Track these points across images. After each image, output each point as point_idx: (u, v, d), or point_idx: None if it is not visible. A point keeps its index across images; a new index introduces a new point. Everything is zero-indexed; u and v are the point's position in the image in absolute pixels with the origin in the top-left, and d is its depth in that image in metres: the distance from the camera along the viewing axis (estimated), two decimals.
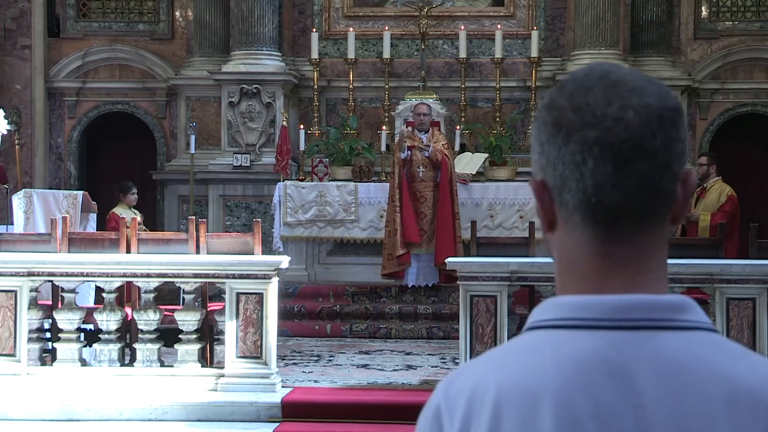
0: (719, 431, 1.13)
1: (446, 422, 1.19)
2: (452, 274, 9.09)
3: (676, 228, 1.25)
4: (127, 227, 7.73)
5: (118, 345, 7.43)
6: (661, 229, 1.22)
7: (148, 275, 7.30)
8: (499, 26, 12.21)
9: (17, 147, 11.45)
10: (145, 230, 9.92)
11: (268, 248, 9.99)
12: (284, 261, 7.46)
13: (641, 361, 1.15)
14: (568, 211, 1.20)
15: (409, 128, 10.53)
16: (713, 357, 1.17)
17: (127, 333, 7.61)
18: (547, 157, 1.21)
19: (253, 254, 7.54)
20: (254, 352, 7.19)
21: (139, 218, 9.62)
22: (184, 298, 7.61)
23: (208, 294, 7.74)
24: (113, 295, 7.37)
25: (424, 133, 10.28)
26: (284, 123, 11.62)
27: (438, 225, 10.06)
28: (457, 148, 11.66)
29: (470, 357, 7.23)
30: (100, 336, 7.42)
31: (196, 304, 7.46)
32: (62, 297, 7.49)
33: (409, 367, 8.40)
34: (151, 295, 7.34)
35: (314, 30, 12.38)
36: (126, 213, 9.78)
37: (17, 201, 9.83)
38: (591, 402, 1.13)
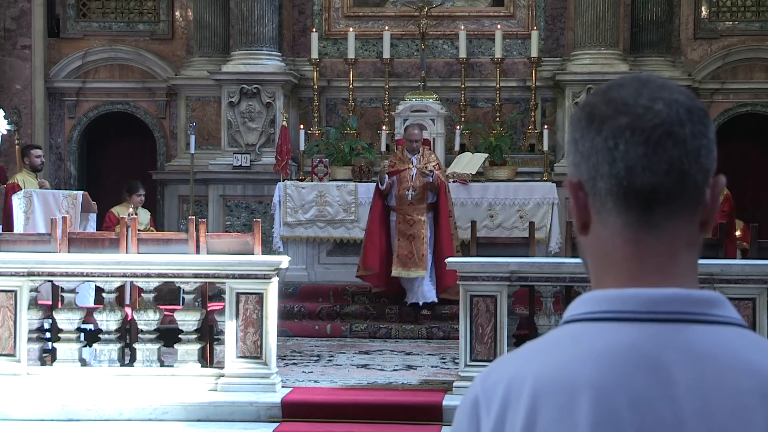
0: (754, 425, 1.15)
1: (483, 413, 1.20)
2: (453, 298, 9.18)
3: (707, 233, 1.26)
4: (128, 227, 7.74)
5: (118, 345, 7.43)
6: (691, 223, 1.23)
7: (148, 275, 7.30)
8: (499, 26, 12.21)
9: (17, 147, 11.45)
10: (149, 230, 9.89)
11: (268, 248, 9.99)
12: (284, 261, 7.46)
13: (675, 353, 1.17)
14: (602, 200, 1.23)
15: (400, 147, 10.27)
16: (745, 351, 1.19)
17: (127, 333, 7.61)
18: (581, 152, 1.24)
19: (253, 254, 7.54)
20: (254, 352, 7.20)
21: (143, 218, 9.62)
22: (184, 298, 7.61)
23: (208, 294, 7.74)
24: (113, 295, 7.38)
25: (415, 154, 9.96)
26: (284, 123, 11.62)
27: (438, 253, 9.67)
28: (457, 147, 11.68)
29: (470, 357, 7.23)
30: (100, 336, 7.42)
31: (196, 304, 7.46)
32: (62, 297, 7.49)
33: (409, 367, 8.40)
34: (151, 295, 7.34)
35: (314, 30, 12.38)
36: (124, 212, 9.76)
37: (17, 201, 9.83)
38: (627, 393, 1.15)
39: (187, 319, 7.34)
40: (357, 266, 10.16)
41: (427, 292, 9.85)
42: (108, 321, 7.36)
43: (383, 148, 11.61)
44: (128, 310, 7.56)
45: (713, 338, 1.19)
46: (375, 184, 10.12)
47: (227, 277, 7.21)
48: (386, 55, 12.14)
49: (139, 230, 8.72)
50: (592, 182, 1.23)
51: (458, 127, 11.84)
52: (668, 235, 1.23)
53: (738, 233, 9.40)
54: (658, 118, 1.19)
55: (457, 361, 7.81)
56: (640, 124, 1.19)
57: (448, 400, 7.06)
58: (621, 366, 1.16)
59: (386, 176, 9.84)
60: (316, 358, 8.79)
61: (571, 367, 1.18)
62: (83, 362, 7.39)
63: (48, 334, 7.62)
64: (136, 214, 9.81)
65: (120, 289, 7.46)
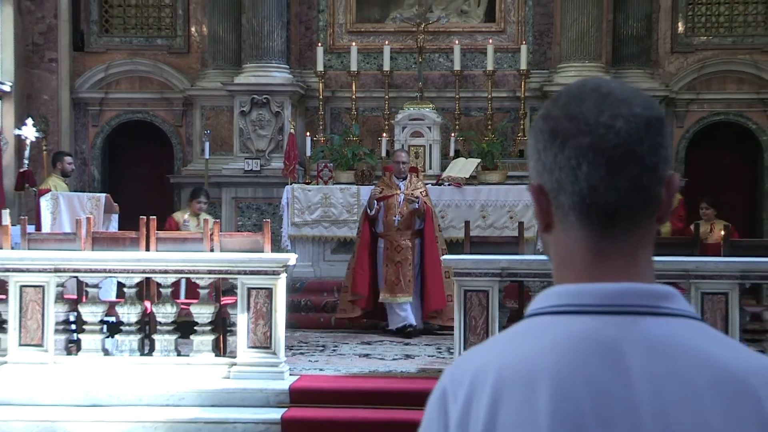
0: (704, 411, 1.14)
1: (451, 402, 1.20)
2: (437, 322, 9.19)
3: (660, 226, 1.26)
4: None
5: (138, 336, 7.43)
6: (649, 227, 1.23)
7: (165, 271, 7.30)
8: (490, 41, 12.22)
9: (45, 153, 11.45)
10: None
11: (276, 246, 9.98)
12: (292, 258, 7.46)
13: (630, 343, 1.16)
14: (564, 212, 1.21)
15: (387, 173, 9.66)
16: (697, 341, 1.18)
17: (147, 325, 7.61)
18: (544, 163, 1.22)
19: (263, 252, 7.54)
20: (264, 343, 7.20)
21: (196, 225, 9.48)
22: (199, 293, 7.61)
23: (222, 289, 7.75)
24: (133, 290, 7.38)
25: (402, 180, 9.50)
26: (292, 130, 11.62)
27: (426, 276, 9.27)
28: (451, 153, 11.68)
29: (464, 347, 7.22)
30: (122, 328, 7.42)
31: (211, 298, 7.46)
32: (86, 292, 7.49)
33: (408, 356, 8.40)
34: (169, 290, 7.34)
35: (319, 44, 12.39)
36: (181, 218, 9.73)
37: (44, 203, 9.84)
38: (585, 381, 1.14)
39: (202, 312, 7.35)
40: (339, 309, 9.63)
41: (408, 316, 9.30)
42: (129, 314, 7.36)
43: (383, 154, 11.61)
44: (147, 304, 7.56)
45: (666, 329, 1.18)
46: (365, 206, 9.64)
47: (239, 273, 7.22)
48: (386, 67, 12.14)
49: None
50: (555, 194, 1.21)
51: (453, 135, 11.85)
52: (628, 242, 1.22)
53: (722, 233, 9.41)
54: (619, 138, 1.17)
55: (452, 351, 7.82)
56: (602, 144, 1.17)
57: (436, 385, 7.06)
58: (579, 356, 1.15)
59: (374, 202, 9.40)
60: (321, 348, 8.79)
61: (531, 358, 1.16)
62: (106, 352, 7.39)
63: (73, 326, 7.62)
64: (198, 221, 9.70)
65: (140, 285, 7.47)
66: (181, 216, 9.85)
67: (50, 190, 10.21)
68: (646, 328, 1.17)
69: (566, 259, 1.24)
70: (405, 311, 9.29)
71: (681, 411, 1.13)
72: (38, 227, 9.51)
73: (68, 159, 10.91)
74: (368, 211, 9.40)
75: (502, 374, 1.16)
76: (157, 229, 7.85)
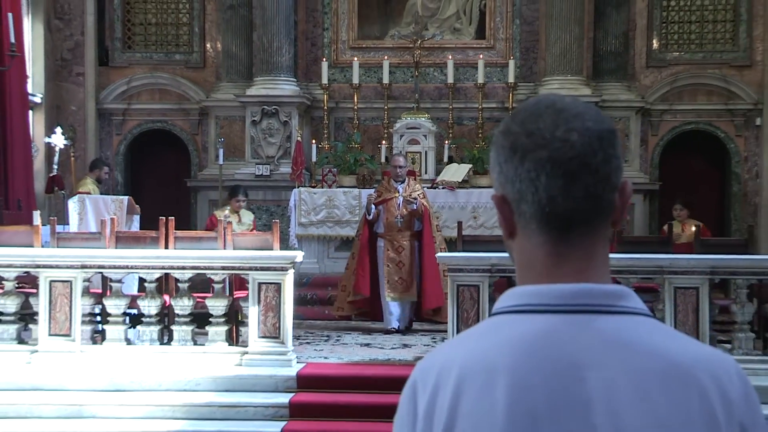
0: (653, 403, 1.13)
1: (420, 393, 1.21)
2: (435, 319, 8.92)
3: (616, 230, 1.26)
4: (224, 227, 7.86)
5: (158, 327, 7.43)
6: (604, 231, 1.22)
7: (183, 267, 7.31)
8: (481, 56, 12.22)
9: (72, 159, 11.46)
10: (250, 230, 9.48)
11: (285, 245, 9.99)
12: (299, 256, 7.46)
13: (584, 340, 1.15)
14: (526, 220, 1.21)
15: (386, 178, 9.39)
16: (648, 337, 1.17)
17: (166, 317, 7.61)
18: (506, 175, 1.21)
19: (272, 250, 7.54)
20: (273, 333, 7.20)
21: (246, 219, 9.35)
22: (213, 287, 7.61)
23: (235, 283, 7.74)
24: (154, 285, 7.38)
25: (401, 183, 9.20)
26: (299, 138, 11.62)
27: (425, 275, 8.98)
28: (445, 159, 11.69)
29: None
30: (143, 319, 7.42)
31: (224, 292, 7.46)
32: (110, 286, 7.49)
33: (405, 345, 8.40)
34: (186, 285, 7.34)
35: (324, 59, 12.39)
36: (222, 215, 9.54)
37: (72, 205, 9.84)
38: (540, 375, 1.13)
39: (217, 305, 7.35)
40: (336, 306, 9.34)
41: (399, 318, 9.02)
42: (149, 306, 7.36)
43: (383, 159, 11.61)
44: (166, 297, 7.56)
45: (620, 326, 1.17)
46: (365, 210, 9.35)
47: (250, 269, 7.22)
48: (385, 80, 12.14)
49: (240, 231, 8.61)
50: (517, 203, 1.21)
51: (446, 142, 11.86)
52: (585, 246, 1.21)
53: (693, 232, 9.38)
54: (573, 151, 1.17)
55: (445, 340, 7.81)
56: (558, 157, 1.17)
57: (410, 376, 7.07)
58: (535, 352, 1.15)
59: (373, 207, 9.09)
60: (326, 338, 8.79)
61: (490, 353, 1.16)
62: (128, 341, 7.39)
63: (98, 318, 7.63)
64: (238, 216, 9.65)
65: (159, 280, 7.47)
66: (222, 213, 9.61)
67: (89, 193, 10.24)
68: (599, 326, 1.16)
69: (527, 262, 1.23)
70: (397, 312, 8.98)
71: (631, 403, 1.12)
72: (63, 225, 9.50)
73: (105, 169, 11.04)
74: (367, 215, 9.15)
75: (464, 368, 1.16)
76: (177, 229, 7.85)
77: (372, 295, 9.11)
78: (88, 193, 10.28)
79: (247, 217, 9.72)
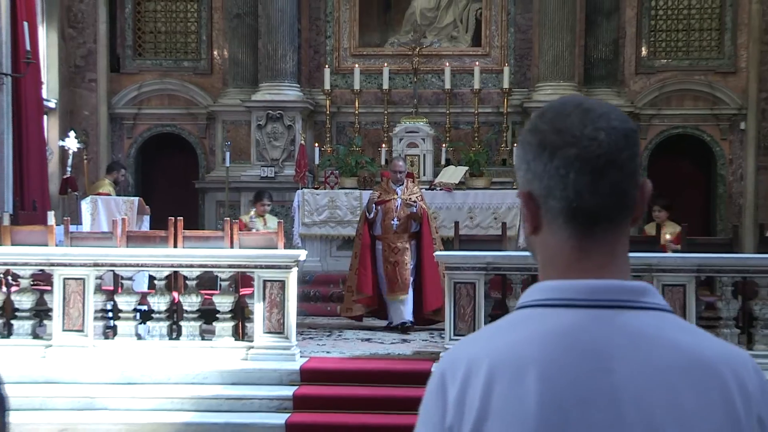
0: (678, 395, 1.13)
1: (449, 383, 1.19)
2: (434, 318, 8.63)
3: (636, 227, 1.26)
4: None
5: (167, 322, 7.44)
6: (626, 228, 1.22)
7: (191, 266, 7.31)
8: (477, 63, 12.22)
9: (85, 161, 11.46)
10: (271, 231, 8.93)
11: (289, 244, 9.99)
12: (302, 254, 7.46)
13: (611, 334, 1.15)
14: (553, 215, 1.20)
15: (385, 179, 9.20)
16: (671, 332, 1.17)
17: (175, 313, 7.61)
18: (534, 172, 1.21)
19: (277, 249, 7.54)
20: (278, 329, 7.20)
21: (271, 224, 8.95)
22: (220, 285, 7.61)
23: (241, 281, 7.74)
24: (163, 282, 7.38)
25: (399, 185, 8.96)
26: (302, 142, 11.62)
27: (425, 276, 8.74)
28: (443, 161, 11.69)
29: (454, 332, 7.23)
30: (153, 315, 7.43)
31: (231, 289, 7.46)
32: (122, 284, 7.50)
33: (404, 341, 8.39)
34: (194, 282, 7.34)
35: (327, 66, 12.39)
36: (247, 219, 9.29)
37: (85, 205, 9.85)
38: (568, 367, 1.13)
39: (223, 302, 7.35)
40: (344, 308, 9.08)
41: (404, 312, 8.80)
42: (159, 303, 7.36)
43: (383, 162, 11.60)
44: (175, 294, 7.56)
45: (644, 321, 1.17)
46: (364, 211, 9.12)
47: (256, 267, 7.22)
48: (385, 86, 12.14)
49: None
50: (544, 199, 1.20)
51: (444, 145, 11.85)
52: (608, 241, 1.21)
53: (670, 236, 9.26)
54: (601, 149, 1.17)
55: (443, 336, 7.81)
56: (587, 155, 1.17)
57: (436, 368, 7.06)
58: (563, 345, 1.14)
59: (373, 206, 8.87)
60: (328, 333, 8.78)
61: (521, 346, 1.16)
62: (139, 336, 7.39)
63: (110, 314, 7.63)
64: (264, 220, 9.28)
65: (169, 277, 7.47)
66: (247, 217, 9.32)
67: (108, 194, 10.23)
68: (625, 321, 1.16)
69: (552, 258, 1.23)
70: (403, 308, 8.81)
71: (657, 395, 1.12)
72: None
73: (123, 171, 11.01)
74: (367, 214, 8.92)
75: (494, 360, 1.16)
76: (185, 229, 7.84)
77: (376, 294, 8.92)
78: (108, 194, 10.26)
79: (272, 221, 9.32)
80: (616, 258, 1.22)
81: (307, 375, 7.02)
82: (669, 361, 1.14)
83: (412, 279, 8.82)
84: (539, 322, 1.18)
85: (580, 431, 1.11)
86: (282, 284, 7.18)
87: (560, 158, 1.18)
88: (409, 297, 8.81)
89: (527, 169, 1.22)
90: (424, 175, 11.53)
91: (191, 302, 7.33)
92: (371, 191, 9.73)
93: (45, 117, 11.66)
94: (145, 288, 8.55)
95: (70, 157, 10.99)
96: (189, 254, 7.38)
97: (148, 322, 7.44)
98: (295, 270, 7.25)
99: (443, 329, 7.82)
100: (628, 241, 1.24)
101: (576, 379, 1.12)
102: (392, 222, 8.79)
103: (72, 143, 10.98)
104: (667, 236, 9.12)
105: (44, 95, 11.60)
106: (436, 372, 1.23)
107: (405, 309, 8.83)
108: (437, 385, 1.21)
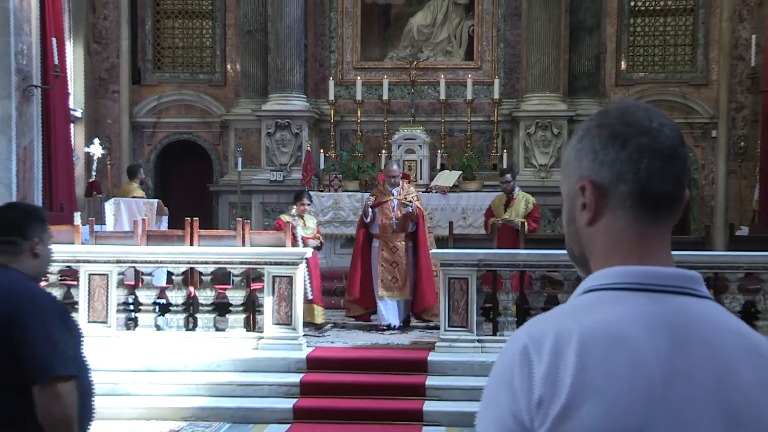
0: (741, 374, 1.15)
1: (534, 357, 1.14)
2: (426, 318, 8.35)
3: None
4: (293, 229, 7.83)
5: (184, 315, 7.43)
6: (674, 221, 1.24)
7: (206, 262, 7.31)
8: (469, 76, 12.21)
9: (109, 166, 11.46)
10: (316, 236, 8.48)
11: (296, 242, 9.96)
12: (308, 252, 7.45)
13: (683, 317, 1.17)
14: (621, 199, 1.20)
15: (381, 182, 8.89)
16: (726, 319, 1.20)
17: (191, 306, 7.61)
18: (602, 160, 1.21)
19: (285, 247, 7.54)
20: (286, 320, 7.20)
21: (310, 224, 8.44)
22: (233, 280, 7.61)
23: (251, 276, 7.74)
24: (180, 278, 7.38)
25: (395, 187, 8.55)
26: (308, 148, 11.61)
27: (421, 275, 8.35)
28: (438, 166, 11.69)
29: (448, 324, 7.21)
30: (171, 308, 7.42)
31: (242, 284, 7.46)
32: (142, 279, 7.50)
33: (403, 332, 8.38)
34: (209, 277, 7.34)
35: (331, 78, 12.39)
36: (288, 219, 8.44)
37: (108, 207, 9.84)
38: (652, 346, 1.14)
39: (236, 295, 7.35)
40: (346, 309, 8.76)
41: (393, 316, 8.39)
42: (176, 296, 7.36)
43: (383, 167, 11.58)
44: (191, 289, 7.56)
45: (705, 308, 1.19)
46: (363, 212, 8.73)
47: (266, 263, 7.22)
48: (385, 97, 12.14)
49: (305, 235, 8.12)
50: (614, 185, 1.20)
51: (439, 151, 11.85)
52: (664, 229, 1.23)
53: None
54: (668, 141, 1.20)
55: (437, 327, 7.80)
56: (656, 144, 1.19)
57: (431, 356, 7.06)
58: (645, 326, 1.15)
59: (370, 209, 8.47)
60: (332, 325, 8.77)
61: (609, 323, 1.15)
62: (158, 327, 7.39)
63: (131, 307, 7.62)
64: (303, 221, 8.46)
65: (185, 273, 7.46)
66: (288, 217, 8.58)
67: (143, 197, 10.21)
68: (691, 307, 1.18)
69: (615, 243, 1.22)
70: (392, 310, 8.38)
71: (726, 373, 1.14)
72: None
73: (141, 170, 10.82)
74: (364, 218, 8.56)
75: (585, 335, 1.14)
76: (201, 228, 7.84)
77: (370, 294, 8.51)
78: (142, 197, 10.22)
79: (311, 222, 8.67)
80: (667, 246, 1.23)
81: (313, 363, 7.02)
82: (731, 344, 1.16)
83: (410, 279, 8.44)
84: (621, 304, 1.17)
85: (666, 405, 1.11)
86: (290, 279, 7.18)
87: (633, 145, 1.19)
88: (405, 300, 8.41)
89: (594, 159, 1.22)
90: (421, 178, 11.53)
91: (206, 296, 7.33)
92: (368, 195, 9.54)
93: (72, 125, 11.65)
94: (163, 283, 8.54)
95: (95, 162, 10.99)
96: (204, 252, 7.38)
97: (167, 314, 7.44)
98: (301, 266, 7.25)
99: (434, 327, 7.83)
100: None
101: (660, 358, 1.13)
102: (390, 222, 8.43)
103: (96, 149, 10.98)
104: None
105: (71, 105, 11.59)
106: (514, 347, 1.17)
107: (397, 311, 8.39)
108: (520, 357, 1.15)
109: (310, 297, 7.93)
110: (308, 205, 8.60)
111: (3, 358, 2.45)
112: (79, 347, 2.69)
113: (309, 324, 8.03)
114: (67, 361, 2.50)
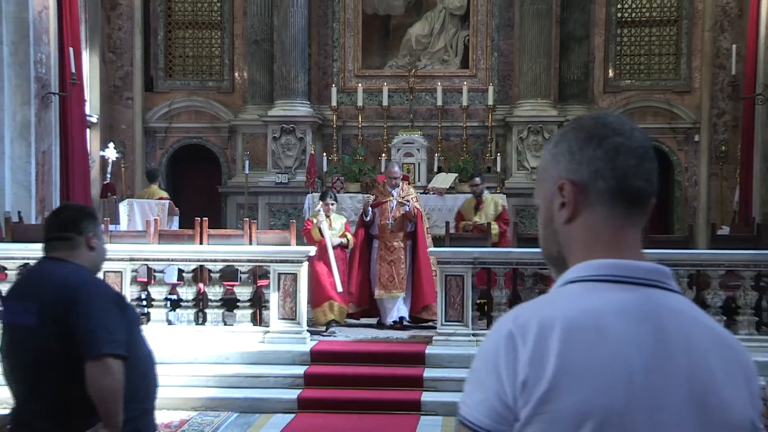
0: (711, 363, 1.16)
1: (519, 343, 1.15)
2: (423, 317, 8.15)
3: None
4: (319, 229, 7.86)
5: (194, 310, 7.43)
6: (645, 219, 1.26)
7: (215, 260, 7.30)
8: (465, 83, 12.20)
9: (123, 169, 11.45)
10: (343, 234, 8.12)
11: (300, 241, 9.96)
12: (312, 250, 7.45)
13: (661, 309, 1.18)
14: (600, 194, 1.21)
15: (381, 183, 8.68)
16: (695, 312, 1.21)
17: (201, 301, 7.60)
18: (579, 159, 1.22)
19: (289, 245, 7.53)
20: (291, 315, 7.19)
21: (336, 224, 8.08)
22: (240, 277, 7.60)
23: (258, 273, 7.74)
24: (190, 275, 7.37)
25: (395, 188, 8.37)
26: (312, 152, 11.61)
27: (420, 274, 8.17)
28: (435, 169, 11.67)
29: (445, 319, 7.21)
30: (181, 303, 7.41)
31: (249, 281, 7.45)
32: (154, 276, 7.49)
33: (401, 327, 8.36)
34: (218, 275, 7.33)
35: (333, 85, 12.38)
36: (315, 218, 8.11)
37: (122, 207, 9.84)
38: (633, 335, 1.14)
39: (243, 292, 7.34)
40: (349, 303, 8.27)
41: (398, 310, 8.24)
42: (187, 293, 7.35)
43: (383, 169, 11.58)
44: (201, 285, 7.55)
45: (678, 301, 1.20)
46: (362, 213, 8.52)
47: (271, 261, 7.21)
48: (385, 103, 12.13)
49: (332, 234, 7.94)
50: (592, 181, 1.21)
51: (436, 155, 11.84)
52: (638, 225, 1.23)
53: None
54: (639, 142, 1.22)
55: (435, 322, 7.79)
56: (631, 143, 1.21)
57: (429, 349, 7.06)
58: (626, 315, 1.15)
59: (370, 209, 8.30)
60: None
61: (592, 310, 1.16)
62: (169, 322, 7.39)
63: (144, 302, 7.62)
64: (330, 221, 8.08)
65: (195, 270, 7.46)
66: (317, 218, 8.18)
67: (169, 198, 10.22)
68: (665, 300, 1.19)
69: (595, 237, 1.22)
70: (396, 306, 8.23)
71: (698, 362, 1.16)
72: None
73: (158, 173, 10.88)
74: (364, 217, 8.35)
75: (569, 322, 1.14)
76: (210, 228, 7.83)
77: (366, 294, 8.33)
78: (167, 198, 10.22)
79: (338, 222, 8.22)
80: (639, 242, 1.24)
81: (316, 356, 7.01)
82: (701, 336, 1.18)
83: (408, 278, 8.25)
84: (602, 294, 1.17)
85: (644, 390, 1.12)
86: (294, 276, 7.18)
87: (609, 143, 1.21)
88: (405, 296, 8.26)
89: (571, 159, 1.23)
90: (419, 180, 11.52)
91: (215, 292, 7.32)
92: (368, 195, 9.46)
93: (88, 131, 11.65)
94: (174, 280, 8.54)
95: (110, 165, 10.99)
96: (213, 250, 7.37)
97: (178, 310, 7.43)
98: (305, 264, 7.24)
99: (432, 325, 7.81)
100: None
101: (640, 345, 1.14)
102: (388, 222, 8.26)
103: (111, 153, 10.98)
104: None
105: (87, 111, 11.59)
106: (499, 333, 1.17)
107: (399, 307, 8.24)
108: (506, 343, 1.15)
109: (339, 289, 7.81)
110: (332, 204, 8.17)
111: (63, 339, 2.57)
112: (135, 332, 2.78)
113: (335, 323, 7.86)
114: (116, 342, 2.60)
